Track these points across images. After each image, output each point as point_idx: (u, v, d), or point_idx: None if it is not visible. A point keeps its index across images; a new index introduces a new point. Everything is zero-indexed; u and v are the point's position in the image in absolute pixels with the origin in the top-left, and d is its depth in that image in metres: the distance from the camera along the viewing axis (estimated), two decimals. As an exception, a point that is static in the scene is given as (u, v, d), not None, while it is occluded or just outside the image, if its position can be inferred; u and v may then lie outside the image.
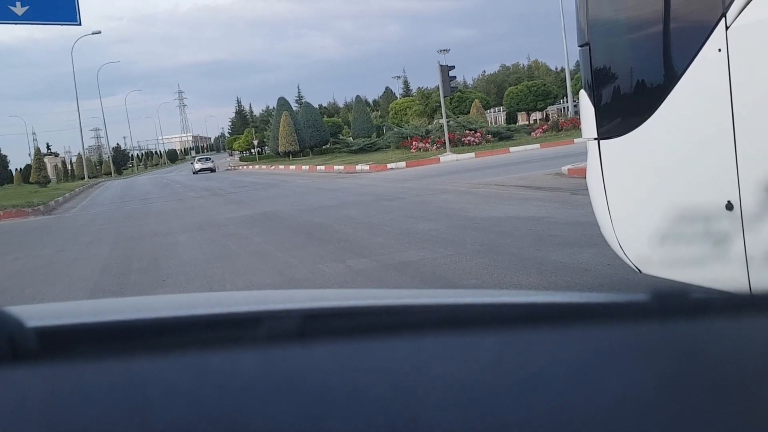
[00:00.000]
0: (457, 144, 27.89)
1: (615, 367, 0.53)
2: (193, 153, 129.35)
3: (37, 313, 0.84)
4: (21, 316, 0.60)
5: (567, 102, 42.36)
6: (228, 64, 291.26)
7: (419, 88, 50.54)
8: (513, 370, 0.53)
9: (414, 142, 29.83)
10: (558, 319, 0.68)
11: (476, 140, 28.83)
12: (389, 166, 22.43)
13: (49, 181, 47.94)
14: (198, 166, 47.87)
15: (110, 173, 74.55)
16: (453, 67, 23.69)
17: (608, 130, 2.80)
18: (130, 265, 7.01)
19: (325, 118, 58.15)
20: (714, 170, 2.37)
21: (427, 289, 4.12)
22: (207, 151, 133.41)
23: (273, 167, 39.77)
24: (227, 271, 6.06)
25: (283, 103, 53.84)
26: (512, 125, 39.36)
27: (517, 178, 12.29)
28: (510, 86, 53.54)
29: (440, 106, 27.17)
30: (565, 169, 11.80)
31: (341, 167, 26.19)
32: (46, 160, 54.33)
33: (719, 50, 2.28)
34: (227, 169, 50.56)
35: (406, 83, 75.72)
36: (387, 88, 78.10)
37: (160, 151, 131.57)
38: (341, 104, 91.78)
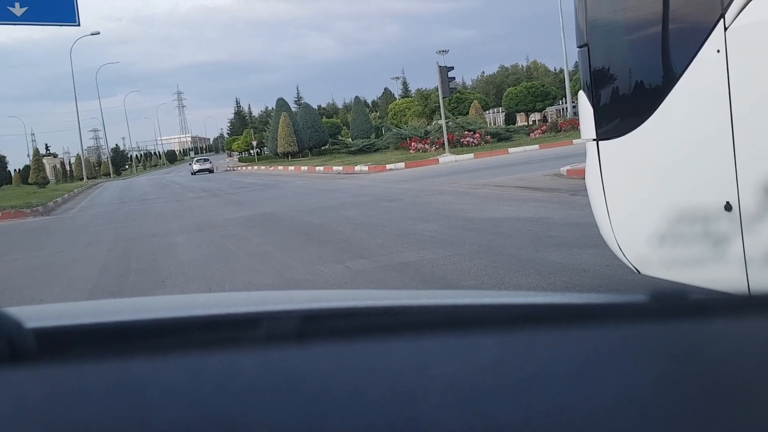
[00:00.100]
0: (456, 145, 27.91)
1: (614, 367, 0.53)
2: (192, 154, 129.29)
3: (36, 314, 0.84)
4: (20, 316, 0.60)
5: (566, 103, 42.40)
6: (227, 64, 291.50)
7: (418, 89, 50.55)
8: (512, 371, 0.53)
9: (413, 143, 29.84)
10: (557, 319, 0.68)
11: (475, 141, 28.84)
12: (388, 166, 22.43)
13: (48, 182, 47.91)
14: (196, 167, 47.90)
15: (109, 174, 74.54)
16: (452, 68, 23.70)
17: (607, 131, 2.80)
18: (128, 266, 7.01)
19: (324, 119, 58.19)
20: (713, 171, 2.37)
21: (426, 290, 4.12)
22: (206, 152, 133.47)
23: (272, 168, 39.77)
24: (226, 271, 6.06)
25: (282, 103, 53.84)
26: (511, 126, 39.39)
27: (516, 179, 12.29)
28: (509, 87, 53.59)
29: (439, 107, 27.19)
30: (564, 170, 11.81)
31: (340, 168, 26.20)
32: (44, 161, 54.29)
33: (718, 51, 2.29)
34: (226, 170, 50.55)
35: (405, 84, 75.84)
36: (386, 89, 78.15)
37: (159, 152, 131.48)
38: (340, 105, 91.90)
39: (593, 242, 4.44)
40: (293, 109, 55.12)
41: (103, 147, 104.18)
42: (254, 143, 63.31)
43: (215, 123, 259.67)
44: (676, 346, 0.58)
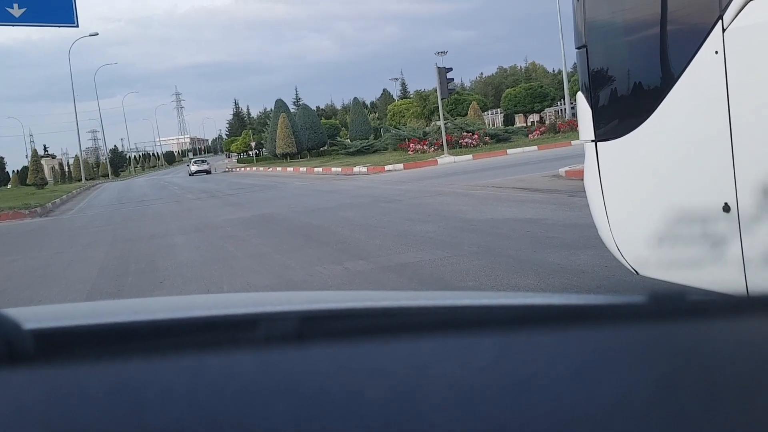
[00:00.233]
0: (455, 146, 27.92)
1: (613, 368, 0.53)
2: (190, 155, 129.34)
3: (34, 315, 0.84)
4: (18, 318, 0.60)
5: (564, 104, 42.43)
6: (226, 65, 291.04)
7: (417, 90, 50.59)
8: (511, 372, 0.53)
9: (411, 144, 29.84)
10: (555, 321, 0.68)
11: (474, 142, 28.85)
12: (387, 168, 22.43)
13: (47, 183, 47.82)
14: (194, 168, 47.96)
15: (107, 175, 74.50)
16: (450, 69, 23.72)
17: (605, 132, 2.80)
18: (127, 267, 7.00)
19: (323, 120, 58.19)
20: (711, 172, 2.37)
21: (425, 291, 4.12)
22: (204, 153, 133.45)
23: (270, 169, 39.77)
24: (225, 273, 6.05)
25: (280, 105, 53.86)
26: (510, 127, 39.36)
27: (514, 180, 12.30)
28: (507, 88, 53.65)
29: (438, 108, 27.19)
30: (562, 171, 11.82)
31: (339, 169, 26.20)
32: (43, 161, 54.14)
33: (716, 52, 2.29)
34: (225, 171, 50.54)
35: (403, 85, 75.95)
36: (384, 90, 78.25)
37: (157, 153, 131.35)
38: (339, 106, 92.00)
39: (592, 243, 4.44)
40: (292, 110, 55.13)
41: (102, 148, 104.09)
42: (253, 144, 63.31)
43: (214, 124, 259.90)
44: (674, 347, 0.58)
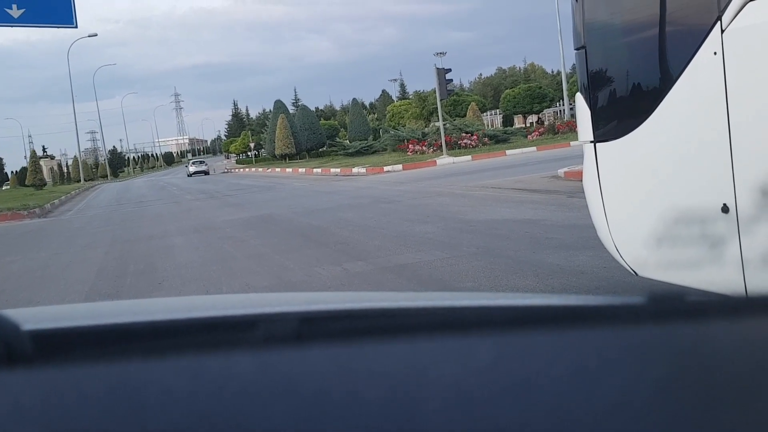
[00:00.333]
0: (454, 147, 27.93)
1: (612, 369, 0.53)
2: (189, 156, 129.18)
3: (33, 317, 0.84)
4: (17, 319, 0.60)
5: (563, 105, 42.46)
6: (224, 66, 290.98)
7: (416, 90, 50.57)
8: (510, 373, 0.53)
9: (410, 145, 29.85)
10: (554, 321, 0.68)
11: (472, 143, 28.86)
12: (386, 168, 22.43)
13: (45, 184, 47.80)
14: (192, 168, 48.05)
15: (106, 176, 74.42)
16: (449, 70, 23.74)
17: (604, 133, 2.80)
18: (126, 268, 6.99)
19: (322, 121, 58.18)
20: (710, 173, 2.37)
21: (424, 292, 4.12)
22: (203, 154, 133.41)
23: (269, 170, 39.77)
24: (223, 273, 6.05)
25: (279, 105, 53.85)
26: (508, 128, 39.38)
27: (513, 180, 12.31)
28: (506, 89, 53.66)
29: (437, 109, 27.20)
30: (561, 171, 11.82)
31: (338, 170, 26.20)
32: (42, 162, 54.16)
33: (715, 53, 2.29)
34: (223, 172, 50.54)
35: (402, 86, 75.98)
36: (383, 91, 78.21)
37: (156, 154, 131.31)
38: (338, 107, 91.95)
39: (591, 244, 4.44)
40: (291, 111, 55.14)
41: (101, 149, 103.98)
42: (252, 145, 63.31)
43: (213, 125, 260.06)
44: (673, 348, 0.58)
